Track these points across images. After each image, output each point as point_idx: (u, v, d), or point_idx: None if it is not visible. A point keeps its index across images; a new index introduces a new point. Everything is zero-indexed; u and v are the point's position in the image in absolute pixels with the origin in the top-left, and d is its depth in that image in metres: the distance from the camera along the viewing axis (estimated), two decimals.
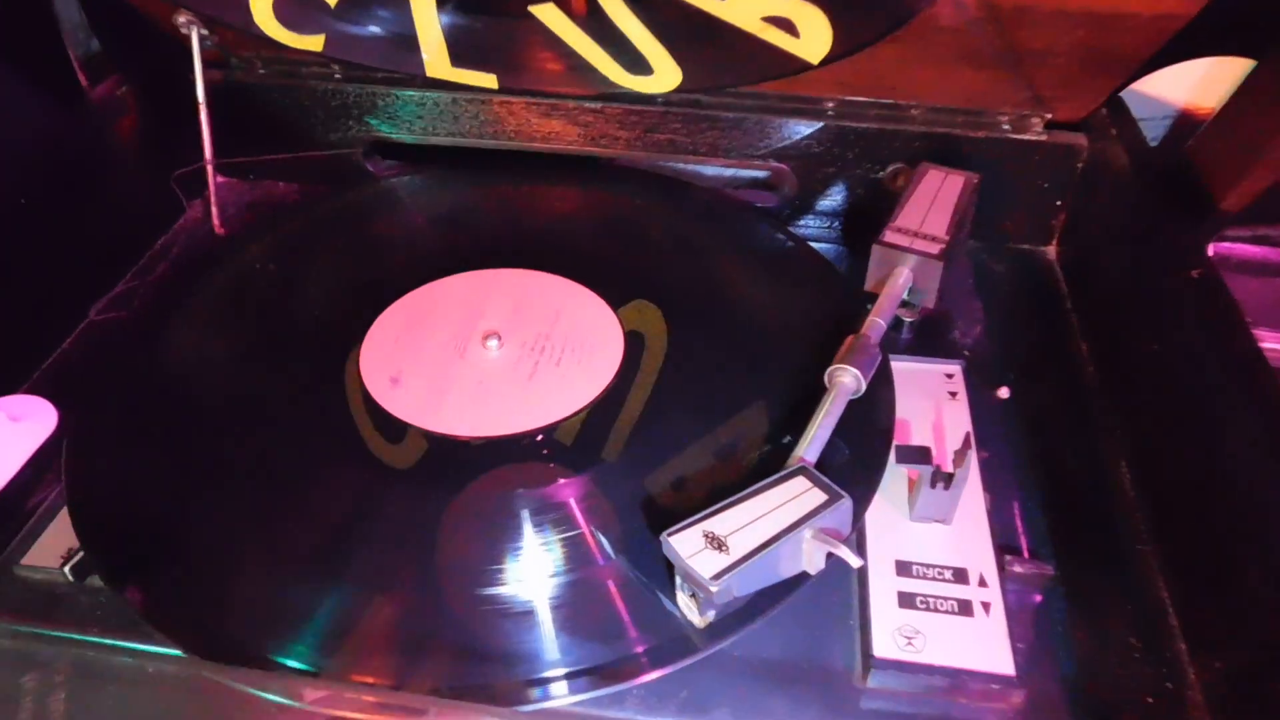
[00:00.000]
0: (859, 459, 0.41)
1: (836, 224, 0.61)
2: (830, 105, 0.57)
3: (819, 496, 0.36)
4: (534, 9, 0.50)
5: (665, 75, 0.52)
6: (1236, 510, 0.37)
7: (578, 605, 0.37)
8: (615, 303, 0.50)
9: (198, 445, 0.44)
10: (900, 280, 0.48)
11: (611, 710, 0.35)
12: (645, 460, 0.42)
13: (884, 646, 0.36)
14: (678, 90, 0.53)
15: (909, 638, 0.37)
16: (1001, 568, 0.39)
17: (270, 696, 0.33)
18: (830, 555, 0.35)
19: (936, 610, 0.38)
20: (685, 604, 0.35)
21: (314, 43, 0.54)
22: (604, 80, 0.53)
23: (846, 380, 0.42)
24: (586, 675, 0.34)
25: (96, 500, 0.41)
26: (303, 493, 0.42)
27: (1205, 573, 0.38)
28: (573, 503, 0.40)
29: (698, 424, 0.43)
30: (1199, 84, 0.58)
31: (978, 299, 0.55)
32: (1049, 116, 0.55)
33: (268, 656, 0.35)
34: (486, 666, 0.35)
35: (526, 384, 0.45)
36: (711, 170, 0.62)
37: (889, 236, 0.49)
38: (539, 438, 0.43)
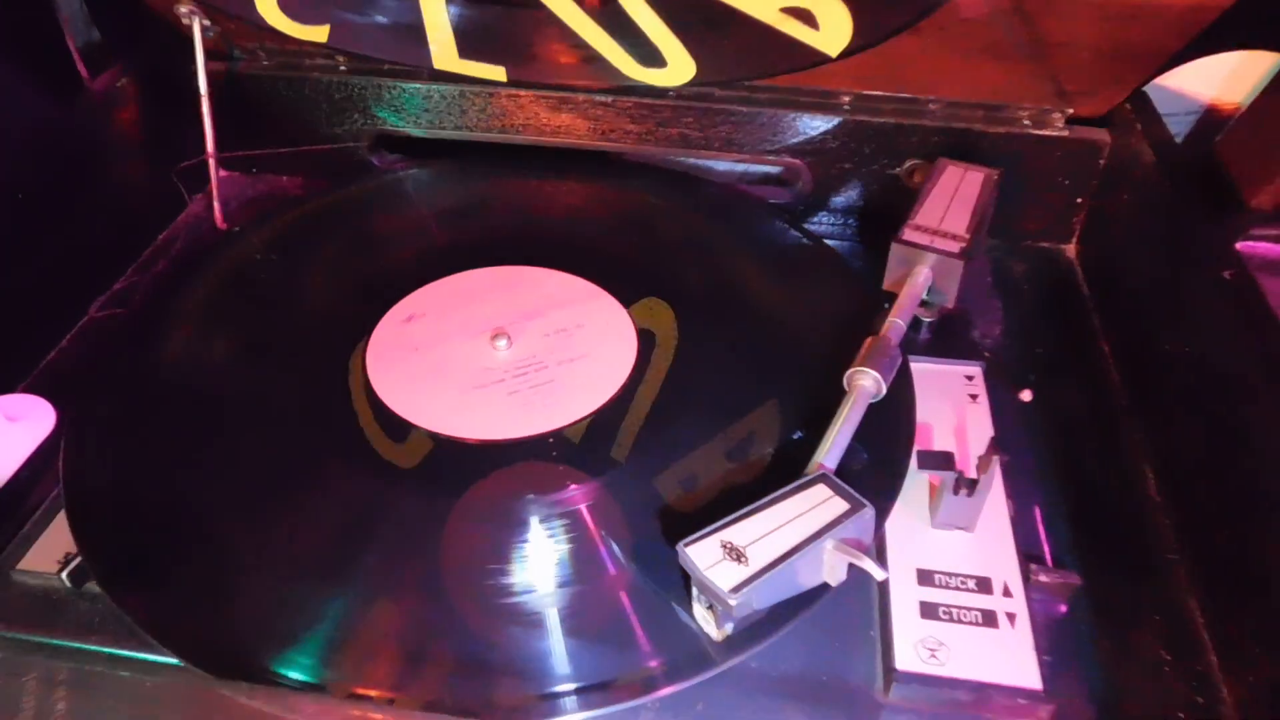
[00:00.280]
0: (880, 465, 0.40)
1: (852, 221, 0.60)
2: (846, 99, 0.55)
3: (840, 505, 0.35)
4: None
5: (679, 68, 0.51)
6: (1269, 518, 0.36)
7: (590, 616, 0.36)
8: (627, 300, 0.48)
9: (199, 446, 0.43)
10: (920, 279, 0.47)
11: None
12: (659, 465, 0.40)
13: (906, 659, 0.35)
14: (692, 83, 0.52)
15: (932, 650, 0.36)
16: (1026, 577, 0.38)
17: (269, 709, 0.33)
18: (852, 566, 0.34)
19: (960, 621, 0.37)
20: (702, 616, 0.34)
21: (318, 33, 0.53)
22: (616, 73, 0.52)
23: (866, 383, 0.41)
24: (600, 690, 0.33)
25: (95, 505, 0.40)
26: (307, 497, 0.41)
27: (1237, 583, 0.37)
28: (585, 508, 0.39)
29: (712, 429, 0.42)
30: (1226, 78, 0.57)
31: (997, 298, 0.54)
32: (1070, 111, 0.53)
33: (268, 667, 0.34)
34: (494, 680, 0.34)
35: (535, 385, 0.44)
36: (724, 166, 0.60)
37: (908, 234, 0.48)
38: (549, 440, 0.41)
